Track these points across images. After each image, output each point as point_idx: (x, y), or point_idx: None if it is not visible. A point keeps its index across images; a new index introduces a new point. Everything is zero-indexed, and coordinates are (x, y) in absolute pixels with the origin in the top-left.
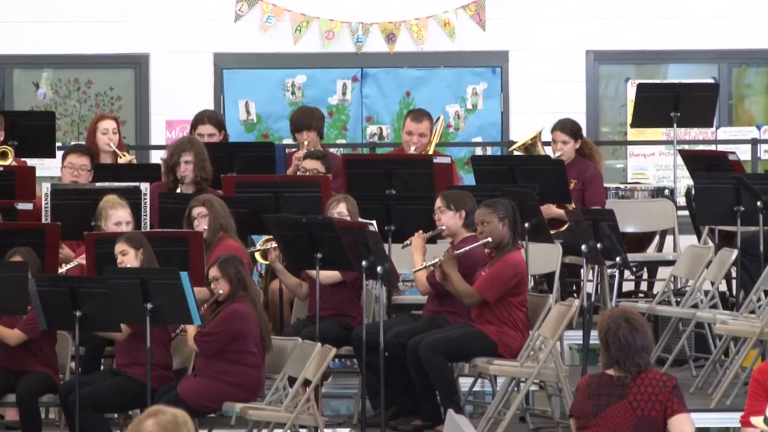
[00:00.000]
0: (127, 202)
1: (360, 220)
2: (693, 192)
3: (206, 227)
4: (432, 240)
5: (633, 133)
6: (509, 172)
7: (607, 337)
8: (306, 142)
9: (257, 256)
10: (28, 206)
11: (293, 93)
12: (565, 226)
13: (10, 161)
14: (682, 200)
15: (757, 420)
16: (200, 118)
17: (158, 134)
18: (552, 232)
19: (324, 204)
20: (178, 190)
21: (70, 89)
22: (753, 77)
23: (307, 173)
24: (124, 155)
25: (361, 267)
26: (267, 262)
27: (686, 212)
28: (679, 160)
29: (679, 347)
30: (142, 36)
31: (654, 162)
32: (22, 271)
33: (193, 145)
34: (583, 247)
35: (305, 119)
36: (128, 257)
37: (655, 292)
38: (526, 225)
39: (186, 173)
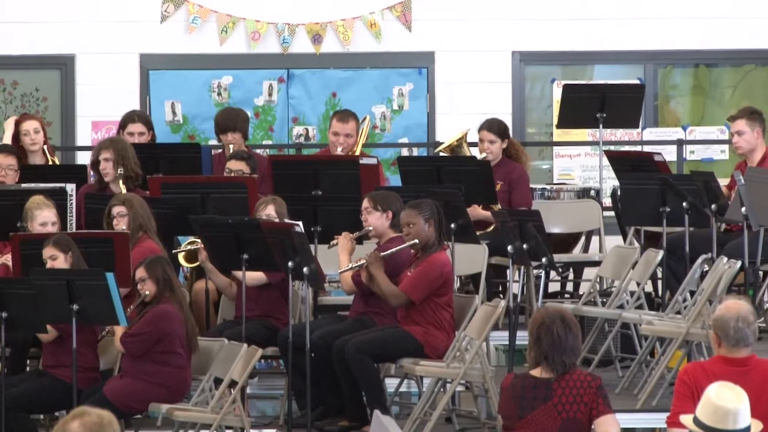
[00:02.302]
0: (53, 203)
1: (286, 221)
2: (619, 193)
3: (125, 227)
4: (359, 241)
5: (559, 134)
6: (435, 173)
7: (540, 331)
8: (231, 146)
9: (181, 259)
10: None
11: (219, 94)
12: (492, 227)
13: None
14: (607, 201)
15: (686, 419)
16: (130, 117)
17: (84, 135)
18: (478, 232)
19: (251, 205)
20: (122, 190)
21: None
22: (679, 78)
23: (232, 174)
24: (54, 161)
25: (288, 268)
26: (191, 266)
27: (612, 213)
28: (605, 161)
29: (605, 348)
30: (68, 37)
31: (580, 163)
32: None
33: (112, 142)
34: (509, 247)
35: (229, 120)
36: (57, 261)
37: (581, 292)
38: (453, 226)
39: (106, 171)
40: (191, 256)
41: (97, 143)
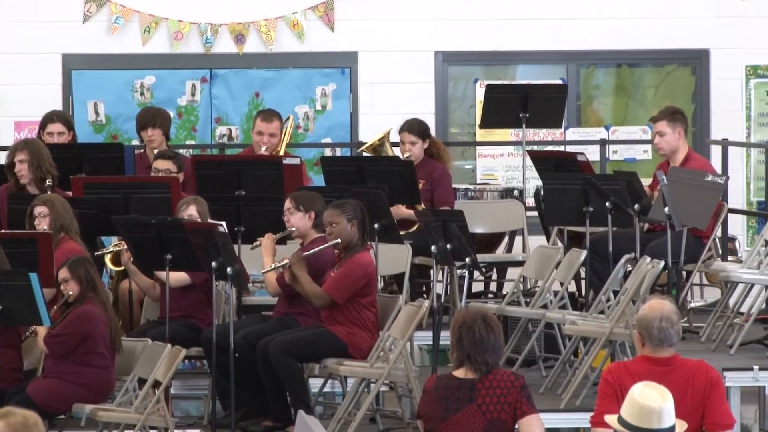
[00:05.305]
0: None
1: (210, 221)
2: (542, 193)
3: (46, 227)
4: (282, 241)
5: (482, 134)
6: (358, 173)
7: (461, 331)
8: (152, 144)
9: (107, 262)
10: None
11: (142, 94)
12: (415, 227)
13: None
14: (531, 201)
15: (611, 419)
16: (50, 117)
17: (6, 135)
18: (402, 232)
19: (174, 205)
20: (53, 190)
21: None
22: (601, 78)
23: (160, 173)
24: None
25: (211, 268)
26: (118, 269)
27: (535, 213)
28: (528, 161)
29: (528, 348)
30: None
31: (503, 163)
32: None
33: (27, 144)
34: (433, 247)
35: (149, 117)
36: None
37: (504, 292)
38: (376, 226)
39: (21, 172)
40: (117, 258)
41: (12, 145)
